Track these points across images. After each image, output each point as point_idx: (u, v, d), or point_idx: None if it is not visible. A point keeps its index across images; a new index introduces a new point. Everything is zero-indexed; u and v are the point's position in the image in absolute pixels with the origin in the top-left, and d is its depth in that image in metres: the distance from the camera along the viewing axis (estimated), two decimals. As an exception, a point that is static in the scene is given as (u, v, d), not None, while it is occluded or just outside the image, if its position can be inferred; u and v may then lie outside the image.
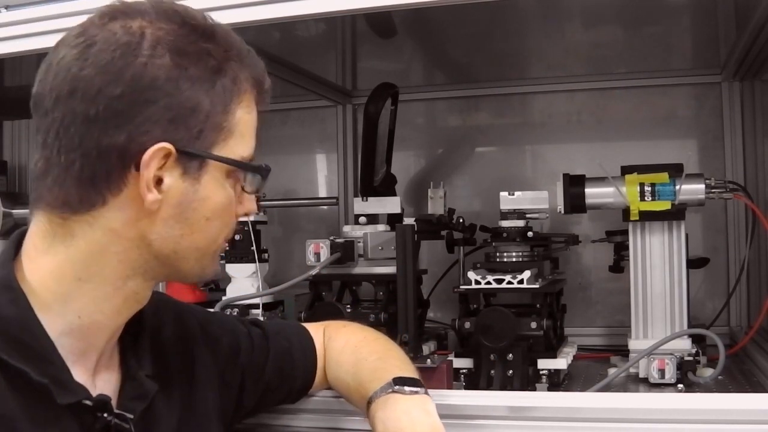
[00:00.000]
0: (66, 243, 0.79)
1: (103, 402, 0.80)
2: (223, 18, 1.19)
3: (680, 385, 1.31)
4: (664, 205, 1.38)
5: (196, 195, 0.81)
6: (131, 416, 0.83)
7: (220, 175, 0.82)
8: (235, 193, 0.84)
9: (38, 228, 0.80)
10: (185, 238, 0.82)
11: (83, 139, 0.76)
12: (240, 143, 0.83)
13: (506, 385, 1.33)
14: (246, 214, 0.87)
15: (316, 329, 1.14)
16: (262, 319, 1.04)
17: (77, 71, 0.76)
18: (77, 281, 0.79)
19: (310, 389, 1.12)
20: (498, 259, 1.45)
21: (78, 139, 0.76)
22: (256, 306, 1.59)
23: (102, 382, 0.84)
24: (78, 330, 0.80)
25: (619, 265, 1.57)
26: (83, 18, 0.81)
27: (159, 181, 0.78)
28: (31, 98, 0.80)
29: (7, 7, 1.31)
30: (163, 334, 0.93)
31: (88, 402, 0.79)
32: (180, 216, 0.80)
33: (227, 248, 1.00)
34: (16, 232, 0.84)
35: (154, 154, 0.76)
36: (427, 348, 1.50)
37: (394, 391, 0.99)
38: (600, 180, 1.43)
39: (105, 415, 0.80)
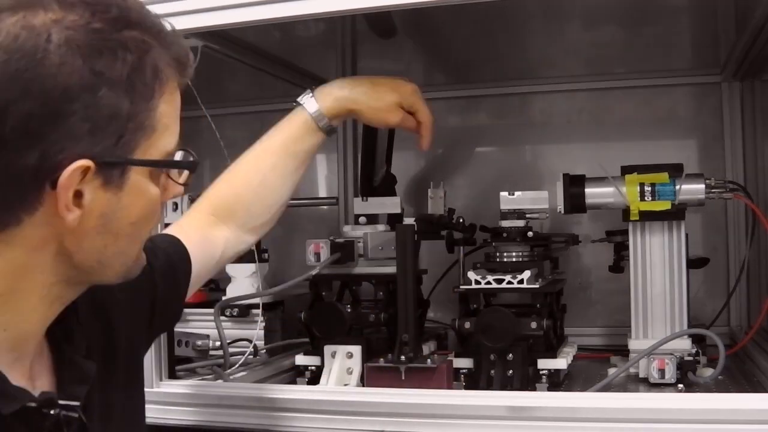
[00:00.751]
0: None
1: (48, 400, 0.76)
2: (223, 18, 1.20)
3: (680, 385, 1.31)
4: (664, 205, 1.38)
5: (120, 203, 0.74)
6: (77, 403, 0.78)
7: (144, 177, 0.76)
8: (160, 185, 0.79)
9: None
10: (109, 248, 0.76)
11: None
12: (163, 137, 0.76)
13: (506, 385, 1.33)
14: (172, 198, 0.83)
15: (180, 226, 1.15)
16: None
17: None
18: None
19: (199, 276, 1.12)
20: (498, 259, 1.45)
21: None
22: (256, 306, 1.60)
23: (39, 378, 0.80)
24: (5, 342, 0.75)
25: (619, 265, 1.57)
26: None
27: (78, 195, 0.71)
28: None
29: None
30: (83, 310, 0.87)
31: (32, 404, 0.74)
32: (103, 227, 0.74)
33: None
34: None
35: (71, 173, 0.69)
36: (427, 348, 1.50)
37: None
38: (600, 180, 1.43)
39: (51, 411, 0.76)
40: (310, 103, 1.22)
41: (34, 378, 0.79)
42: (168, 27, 0.77)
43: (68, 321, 0.83)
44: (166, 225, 1.53)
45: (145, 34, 0.74)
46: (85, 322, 0.87)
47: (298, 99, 1.24)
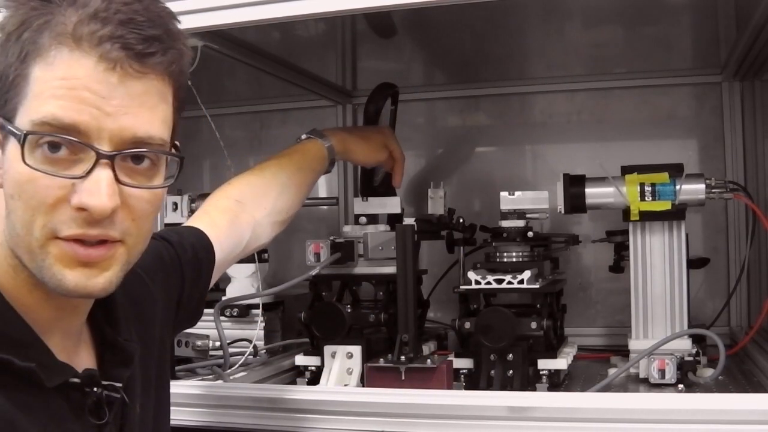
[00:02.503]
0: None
1: (90, 376, 0.77)
2: (223, 18, 1.20)
3: (680, 385, 1.31)
4: (664, 205, 1.38)
5: (5, 167, 0.73)
6: (119, 384, 0.80)
7: (15, 148, 0.71)
8: (49, 170, 0.70)
9: None
10: (8, 219, 0.73)
11: None
12: (32, 106, 0.70)
13: (506, 385, 1.33)
14: (81, 209, 0.70)
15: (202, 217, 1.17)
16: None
17: None
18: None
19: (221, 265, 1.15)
20: (498, 259, 1.45)
21: None
22: (256, 306, 1.60)
23: (81, 360, 0.81)
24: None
25: (619, 265, 1.57)
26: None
27: None
28: None
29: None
30: (121, 300, 0.87)
31: (75, 380, 0.76)
32: (5, 193, 0.73)
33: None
34: None
35: None
36: (427, 348, 1.50)
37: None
38: (600, 180, 1.43)
39: (94, 389, 0.77)
40: (323, 139, 1.40)
41: (76, 359, 0.80)
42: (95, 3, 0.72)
43: (110, 306, 0.84)
44: (166, 225, 1.54)
45: (47, 1, 0.72)
46: (133, 305, 0.89)
47: (308, 134, 1.42)
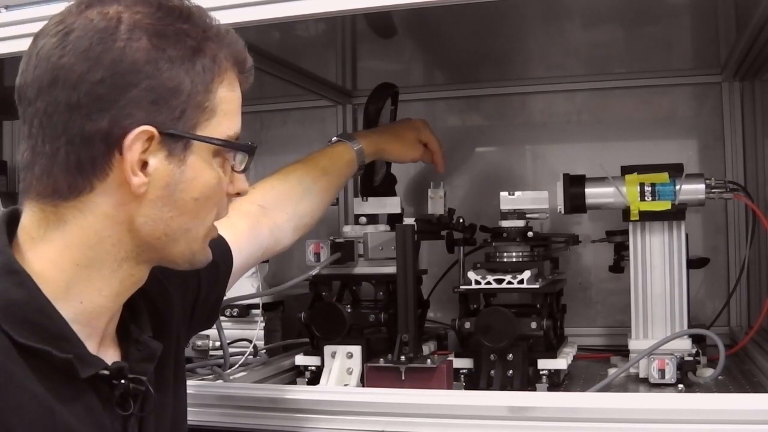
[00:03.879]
0: (60, 230, 0.80)
1: (119, 368, 0.83)
2: (223, 18, 1.19)
3: (680, 385, 1.31)
4: (664, 205, 1.38)
5: (183, 176, 0.81)
6: (144, 378, 0.85)
7: (207, 155, 0.82)
8: (225, 172, 0.85)
9: (31, 217, 0.81)
10: (175, 220, 0.82)
11: (67, 126, 0.77)
12: (224, 122, 0.83)
13: (506, 385, 1.33)
14: (238, 194, 0.88)
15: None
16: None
17: (57, 59, 0.77)
18: (76, 267, 0.80)
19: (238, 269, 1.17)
20: (498, 259, 1.45)
21: (62, 127, 0.77)
22: (256, 306, 1.60)
23: (106, 354, 0.85)
24: (82, 315, 0.81)
25: (619, 265, 1.57)
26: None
27: (145, 165, 0.79)
28: (15, 90, 0.81)
29: (7, 7, 1.31)
30: (146, 295, 0.93)
31: (105, 372, 0.81)
32: (168, 198, 0.81)
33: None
34: (1, 216, 0.84)
35: (136, 137, 0.77)
36: (427, 348, 1.51)
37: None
38: (600, 180, 1.43)
39: (122, 381, 0.82)
40: (352, 141, 1.42)
41: (103, 354, 0.84)
42: (229, 30, 0.86)
43: (136, 304, 0.90)
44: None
45: (206, 29, 0.82)
46: (155, 305, 0.94)
47: (338, 137, 1.44)
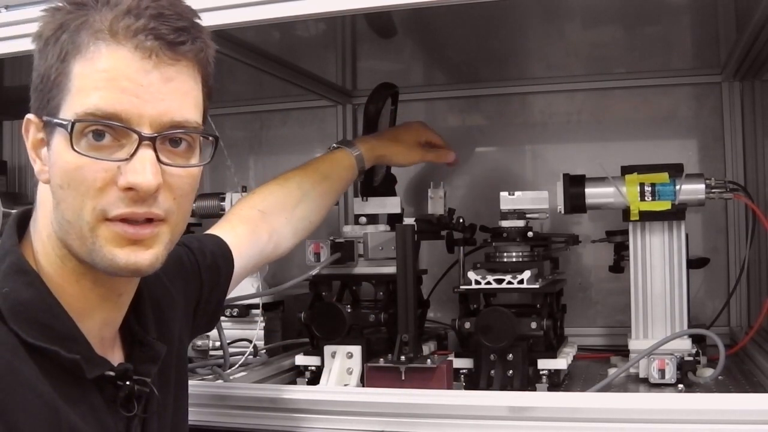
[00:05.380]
0: None
1: (125, 370, 0.83)
2: (223, 18, 1.20)
3: (680, 385, 1.31)
4: (664, 205, 1.38)
5: (51, 161, 0.79)
6: (149, 379, 0.86)
7: (62, 140, 0.77)
8: (97, 157, 0.76)
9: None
10: (56, 211, 0.79)
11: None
12: (76, 99, 0.76)
13: (506, 385, 1.33)
14: (129, 189, 0.76)
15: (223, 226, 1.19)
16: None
17: None
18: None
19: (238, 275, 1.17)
20: (498, 259, 1.45)
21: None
22: (256, 306, 1.60)
23: (112, 356, 0.86)
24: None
25: (619, 265, 1.57)
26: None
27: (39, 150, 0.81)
28: None
29: (7, 7, 1.31)
30: (150, 297, 0.93)
31: (110, 373, 0.82)
32: (52, 185, 0.79)
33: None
34: (14, 215, 0.85)
35: (24, 124, 0.81)
36: (427, 348, 1.50)
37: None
38: (600, 180, 1.43)
39: (127, 382, 0.83)
40: (352, 148, 1.43)
41: (109, 355, 0.85)
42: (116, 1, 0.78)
43: (141, 306, 0.90)
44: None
45: (79, 5, 0.78)
46: (159, 306, 0.94)
47: (337, 143, 1.45)
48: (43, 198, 0.81)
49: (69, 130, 0.75)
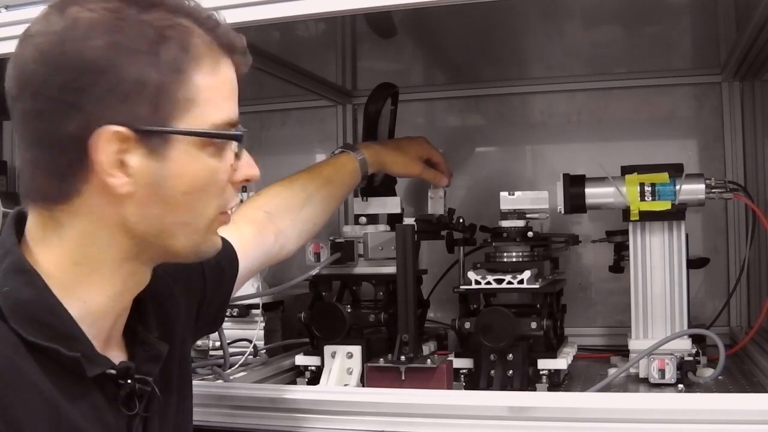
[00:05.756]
0: (57, 232, 0.80)
1: (126, 368, 0.83)
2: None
3: (680, 385, 1.31)
4: (664, 205, 1.38)
5: (168, 171, 0.79)
6: (150, 378, 0.86)
7: (191, 148, 0.79)
8: (222, 161, 0.83)
9: (32, 219, 0.82)
10: (168, 216, 0.81)
11: (39, 134, 0.77)
12: (208, 110, 0.80)
13: (506, 385, 1.33)
14: (246, 181, 0.87)
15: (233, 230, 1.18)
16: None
17: (21, 67, 0.77)
18: (76, 267, 0.80)
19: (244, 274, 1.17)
20: (498, 259, 1.45)
21: (36, 135, 0.77)
22: (256, 306, 1.60)
23: (113, 355, 0.86)
24: (86, 315, 0.81)
25: (619, 265, 1.57)
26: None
27: (124, 164, 0.77)
28: None
29: (7, 7, 1.31)
30: (153, 297, 0.93)
31: (112, 371, 0.82)
32: (156, 195, 0.79)
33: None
34: (11, 215, 0.85)
35: (104, 138, 0.75)
36: (427, 348, 1.50)
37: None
38: (600, 180, 1.43)
39: (128, 381, 0.83)
40: (356, 152, 1.43)
41: (110, 354, 0.85)
42: (210, 14, 0.82)
43: (144, 305, 0.90)
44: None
45: (174, 13, 0.79)
46: (162, 305, 0.95)
47: (341, 147, 1.45)
48: (101, 214, 0.79)
49: (231, 139, 0.83)
